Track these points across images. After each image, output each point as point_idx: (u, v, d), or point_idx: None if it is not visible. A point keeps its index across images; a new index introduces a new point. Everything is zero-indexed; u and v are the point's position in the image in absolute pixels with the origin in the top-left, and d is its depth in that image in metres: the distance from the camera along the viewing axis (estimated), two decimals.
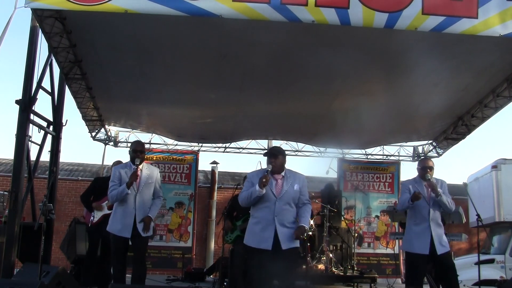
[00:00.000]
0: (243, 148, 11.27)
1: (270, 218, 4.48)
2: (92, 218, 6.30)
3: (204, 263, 13.12)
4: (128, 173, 5.26)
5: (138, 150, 5.38)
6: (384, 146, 11.29)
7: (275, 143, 11.22)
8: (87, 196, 6.55)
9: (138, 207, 5.22)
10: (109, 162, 13.72)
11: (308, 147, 11.13)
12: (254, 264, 4.48)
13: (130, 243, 5.30)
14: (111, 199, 5.31)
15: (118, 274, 5.25)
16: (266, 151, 4.94)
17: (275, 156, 4.59)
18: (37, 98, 6.14)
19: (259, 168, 8.16)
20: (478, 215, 5.99)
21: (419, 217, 5.25)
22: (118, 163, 6.62)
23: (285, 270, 4.40)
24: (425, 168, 5.28)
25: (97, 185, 6.63)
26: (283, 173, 4.61)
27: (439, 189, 5.14)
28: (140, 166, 5.35)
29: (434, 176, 5.34)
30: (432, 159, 5.52)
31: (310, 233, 7.64)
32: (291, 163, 7.46)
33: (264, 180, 4.38)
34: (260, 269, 4.38)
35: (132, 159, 5.34)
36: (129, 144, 10.89)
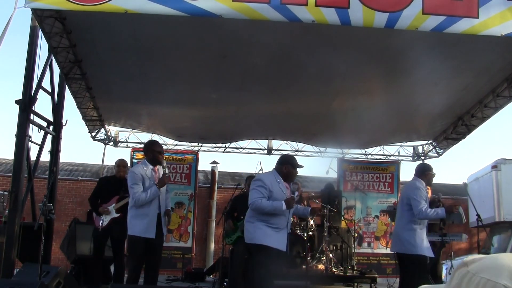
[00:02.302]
0: (243, 148, 11.27)
1: (284, 224, 4.77)
2: (101, 222, 6.30)
3: (204, 263, 13.10)
4: (148, 174, 5.29)
5: (163, 152, 5.62)
6: (384, 146, 11.29)
7: (275, 143, 11.23)
8: (95, 198, 6.57)
9: (162, 208, 5.34)
10: (109, 162, 13.72)
11: (308, 147, 11.13)
12: (270, 262, 4.60)
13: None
14: (139, 202, 5.18)
15: (135, 276, 5.24)
16: (288, 159, 5.05)
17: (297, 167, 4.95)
18: (37, 98, 6.15)
19: (259, 168, 8.22)
20: (478, 215, 6.00)
21: (424, 222, 5.34)
22: (121, 161, 6.70)
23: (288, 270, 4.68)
24: (432, 175, 5.43)
25: (102, 186, 6.67)
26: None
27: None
28: (156, 167, 5.45)
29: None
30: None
31: (310, 233, 7.65)
32: None
33: (293, 205, 4.70)
34: (276, 267, 4.70)
35: (159, 161, 5.42)
36: (129, 144, 10.90)
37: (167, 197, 5.62)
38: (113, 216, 6.28)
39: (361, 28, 4.92)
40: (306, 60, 6.49)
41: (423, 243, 5.28)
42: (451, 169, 30.63)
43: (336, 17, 4.70)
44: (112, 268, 7.05)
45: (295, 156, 11.04)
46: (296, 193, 4.95)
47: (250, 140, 11.05)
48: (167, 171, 5.42)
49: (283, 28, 5.34)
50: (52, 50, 6.21)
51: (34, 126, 6.28)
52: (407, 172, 11.68)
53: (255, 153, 11.31)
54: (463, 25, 4.74)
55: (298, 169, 4.91)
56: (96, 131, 10.07)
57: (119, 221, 6.23)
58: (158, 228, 5.25)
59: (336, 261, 8.11)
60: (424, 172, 5.40)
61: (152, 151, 5.48)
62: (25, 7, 4.74)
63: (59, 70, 6.72)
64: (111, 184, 6.57)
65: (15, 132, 5.93)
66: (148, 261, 5.32)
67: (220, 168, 14.57)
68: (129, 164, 10.68)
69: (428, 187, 5.32)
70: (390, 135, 10.20)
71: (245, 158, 34.62)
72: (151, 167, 5.36)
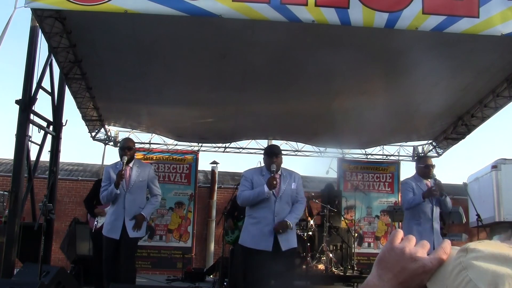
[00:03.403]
0: (243, 148, 11.27)
1: (270, 218, 4.45)
2: (96, 223, 6.29)
3: (204, 263, 13.10)
4: (116, 172, 5.08)
5: (125, 147, 5.20)
6: (384, 146, 11.29)
7: (275, 143, 11.22)
8: (90, 200, 6.51)
9: (128, 207, 5.07)
10: (109, 162, 13.70)
11: (308, 147, 11.13)
12: (253, 265, 4.44)
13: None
14: (102, 200, 5.23)
15: (109, 275, 5.10)
16: (265, 149, 4.90)
17: (277, 155, 4.58)
18: (37, 98, 6.15)
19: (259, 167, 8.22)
20: (478, 215, 6.00)
21: (423, 217, 5.23)
22: None
23: (284, 270, 4.36)
24: (428, 166, 5.28)
25: (98, 187, 6.59)
26: (279, 172, 4.60)
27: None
28: (130, 164, 5.20)
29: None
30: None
31: (310, 233, 7.64)
32: (291, 163, 7.47)
33: (274, 182, 4.36)
34: (259, 270, 4.34)
35: (120, 157, 5.17)
36: None
37: (150, 201, 5.29)
38: None
39: (361, 28, 4.92)
40: (306, 60, 6.50)
41: (418, 240, 5.29)
42: (451, 169, 30.65)
43: (336, 17, 4.69)
44: None
45: (296, 156, 11.06)
46: (294, 184, 4.58)
47: (250, 140, 11.05)
48: (123, 167, 5.04)
49: (283, 28, 5.34)
50: (52, 50, 6.20)
51: (34, 126, 6.28)
52: (407, 172, 11.68)
53: (255, 153, 11.30)
54: (463, 25, 4.73)
55: (275, 156, 4.52)
56: (96, 131, 10.07)
57: None
58: (124, 229, 5.04)
59: (336, 261, 8.11)
60: (416, 167, 5.48)
61: (118, 148, 5.36)
62: (25, 7, 4.73)
63: (59, 70, 6.72)
64: None
65: (15, 132, 5.93)
66: (120, 264, 5.14)
67: (220, 168, 14.58)
68: None
69: (427, 181, 5.27)
70: (390, 135, 10.21)
71: (245, 158, 34.59)
72: (120, 165, 5.15)
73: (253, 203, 4.53)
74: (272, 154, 4.57)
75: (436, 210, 5.24)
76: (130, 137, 9.51)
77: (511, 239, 10.24)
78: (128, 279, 5.15)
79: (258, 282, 4.34)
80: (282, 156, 4.75)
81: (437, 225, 5.22)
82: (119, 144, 5.52)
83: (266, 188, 4.37)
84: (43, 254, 5.45)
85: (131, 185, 5.14)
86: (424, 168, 5.33)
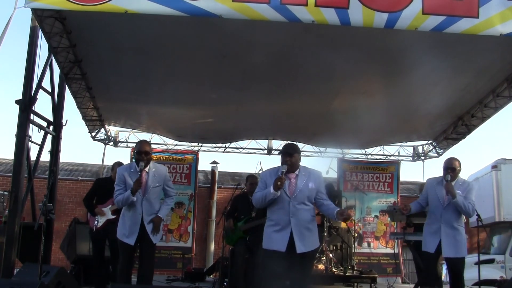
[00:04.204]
0: (243, 148, 11.27)
1: (285, 219, 4.32)
2: (96, 222, 6.27)
3: (204, 263, 13.11)
4: (132, 176, 4.92)
5: (143, 152, 4.97)
6: (384, 146, 11.29)
7: (275, 143, 11.23)
8: (90, 199, 6.43)
9: (146, 213, 4.94)
10: (109, 162, 13.72)
11: (308, 147, 11.13)
12: (264, 265, 4.36)
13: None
14: (117, 204, 5.12)
15: (124, 276, 5.03)
16: (282, 148, 4.69)
17: (291, 154, 4.41)
18: (37, 98, 6.16)
19: (259, 168, 8.21)
20: (478, 215, 5.99)
21: (432, 217, 5.29)
22: (118, 164, 6.56)
23: (298, 274, 4.26)
24: (446, 168, 5.25)
25: (98, 187, 6.53)
26: (297, 171, 4.44)
27: (457, 191, 5.07)
28: (147, 169, 5.00)
29: (463, 177, 5.34)
30: (457, 159, 5.40)
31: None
32: None
33: (279, 183, 4.22)
34: (269, 270, 4.26)
35: (137, 162, 4.98)
36: (129, 144, 10.90)
37: (166, 202, 5.17)
38: (109, 217, 6.18)
39: (361, 28, 4.92)
40: (306, 60, 6.50)
41: (425, 238, 5.34)
42: None
43: (336, 17, 4.70)
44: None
45: None
46: (311, 184, 4.46)
47: (250, 140, 11.06)
48: (141, 174, 4.88)
49: (283, 28, 5.34)
50: (52, 50, 6.21)
51: (34, 126, 6.28)
52: (407, 172, 11.71)
53: (255, 153, 11.32)
54: (463, 25, 4.74)
55: (288, 156, 4.41)
56: (96, 131, 10.07)
57: (115, 222, 6.20)
58: (143, 234, 4.93)
59: (336, 261, 8.12)
60: None
61: (134, 152, 5.20)
62: (25, 7, 4.74)
63: (59, 70, 6.72)
64: (108, 185, 6.44)
65: (15, 132, 5.94)
66: (140, 266, 5.11)
67: (220, 168, 14.60)
68: None
69: (446, 181, 5.23)
70: (390, 135, 10.21)
71: (245, 158, 34.68)
72: (138, 168, 4.96)
73: (264, 204, 4.43)
74: (285, 154, 4.43)
75: (447, 212, 5.16)
76: (144, 139, 9.37)
77: (511, 238, 10.24)
78: (146, 277, 5.08)
79: (266, 281, 4.26)
80: (299, 155, 4.55)
81: (448, 228, 5.13)
82: (135, 146, 5.33)
83: (271, 189, 4.27)
84: (43, 254, 5.44)
85: (148, 191, 5.00)
86: (443, 170, 5.29)
